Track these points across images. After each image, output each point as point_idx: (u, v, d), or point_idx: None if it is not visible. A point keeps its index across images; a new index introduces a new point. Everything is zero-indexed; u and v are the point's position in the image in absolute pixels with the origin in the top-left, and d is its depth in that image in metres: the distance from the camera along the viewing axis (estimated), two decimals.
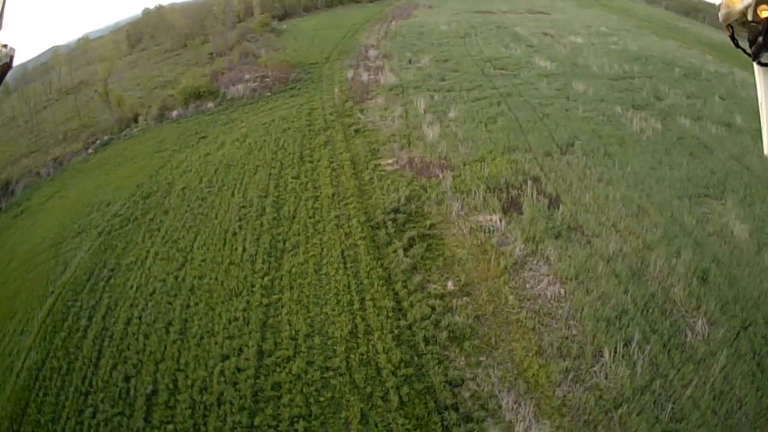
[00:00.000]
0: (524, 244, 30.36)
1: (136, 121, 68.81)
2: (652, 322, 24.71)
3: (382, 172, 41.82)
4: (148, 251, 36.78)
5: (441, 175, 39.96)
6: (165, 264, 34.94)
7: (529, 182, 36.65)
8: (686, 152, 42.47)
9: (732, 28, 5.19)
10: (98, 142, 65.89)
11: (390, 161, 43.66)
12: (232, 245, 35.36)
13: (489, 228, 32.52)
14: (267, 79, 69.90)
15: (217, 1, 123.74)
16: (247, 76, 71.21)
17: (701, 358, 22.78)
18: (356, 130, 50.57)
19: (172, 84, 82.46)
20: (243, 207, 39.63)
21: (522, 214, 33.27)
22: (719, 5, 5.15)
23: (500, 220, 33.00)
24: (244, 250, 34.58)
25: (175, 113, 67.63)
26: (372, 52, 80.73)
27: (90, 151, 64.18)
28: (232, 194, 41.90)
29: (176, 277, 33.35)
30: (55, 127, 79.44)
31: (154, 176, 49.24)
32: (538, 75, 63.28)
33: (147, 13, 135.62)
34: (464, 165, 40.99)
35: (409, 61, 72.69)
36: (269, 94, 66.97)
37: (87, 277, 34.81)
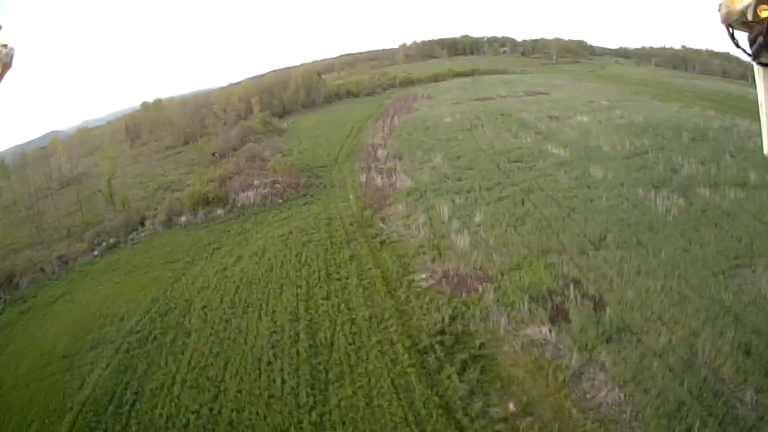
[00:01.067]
0: (578, 353, 30.41)
1: (142, 224, 69.99)
2: (707, 406, 25.40)
3: (418, 289, 41.54)
4: (174, 377, 36.10)
5: (481, 289, 39.62)
6: (195, 393, 34.09)
7: (571, 286, 36.86)
8: (711, 225, 43.63)
9: (732, 28, 5.30)
10: (104, 244, 66.30)
11: (423, 276, 43.48)
12: (269, 376, 34.54)
13: (540, 341, 32.40)
14: (278, 185, 70.91)
15: (216, 97, 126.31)
16: (256, 182, 72.25)
17: (752, 425, 24.13)
18: (381, 242, 50.77)
19: (175, 185, 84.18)
20: (274, 332, 39.03)
21: (570, 322, 33.37)
22: (719, 5, 5.30)
23: (550, 331, 32.93)
24: (284, 381, 33.71)
25: (183, 219, 68.28)
26: (381, 152, 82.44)
27: (96, 253, 64.57)
28: (259, 317, 41.44)
29: (211, 410, 32.33)
30: (57, 221, 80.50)
31: (169, 291, 49.17)
32: (554, 164, 64.64)
33: (145, 106, 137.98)
34: (502, 275, 40.72)
35: (421, 161, 73.96)
36: (281, 201, 67.79)
37: (108, 398, 34.64)
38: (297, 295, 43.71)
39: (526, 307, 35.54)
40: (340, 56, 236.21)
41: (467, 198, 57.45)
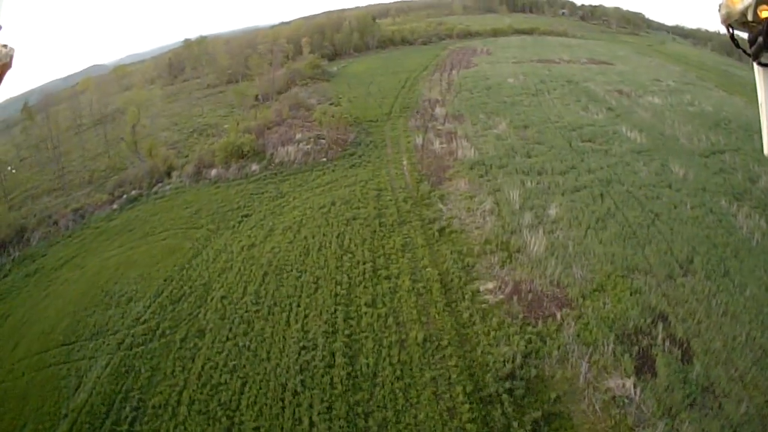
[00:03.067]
0: (661, 420, 25.05)
1: (169, 175, 61.91)
2: None
3: (484, 305, 32.81)
4: (181, 393, 29.31)
5: (559, 316, 31.43)
6: (203, 421, 27.23)
7: (659, 324, 30.42)
8: None
9: (732, 28, 4.87)
10: (125, 196, 58.98)
11: (491, 286, 34.56)
12: (295, 413, 26.67)
13: (623, 399, 26.30)
14: (322, 141, 61.27)
15: (263, 36, 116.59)
16: (298, 135, 62.64)
17: None
18: (440, 230, 41.73)
19: (212, 129, 76.87)
20: (304, 348, 30.80)
21: (656, 375, 27.45)
22: (719, 6, 4.89)
23: (634, 386, 26.80)
24: (312, 425, 25.82)
25: (213, 173, 59.91)
26: (439, 111, 72.29)
27: (115, 206, 57.31)
28: (288, 322, 33.20)
29: None
30: (82, 164, 74.62)
31: (186, 268, 41.46)
32: (630, 151, 55.71)
33: (188, 44, 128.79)
34: (583, 298, 32.81)
35: (485, 127, 64.08)
36: (325, 159, 58.44)
37: (106, 409, 29.51)
38: (336, 295, 35.22)
39: (610, 349, 28.86)
40: (397, 2, 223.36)
41: (539, 182, 48.23)
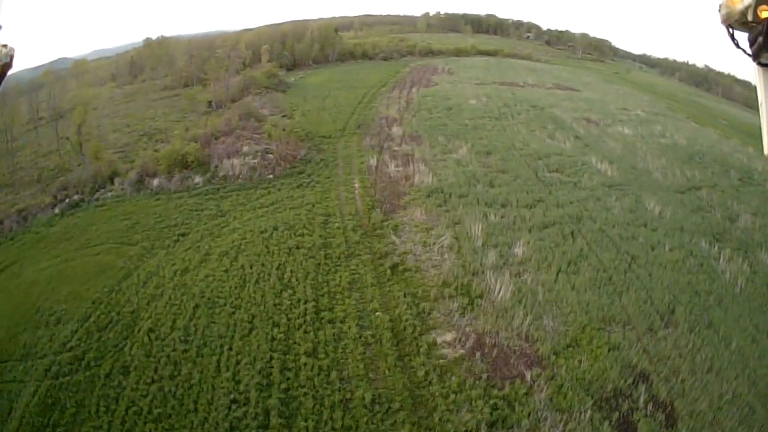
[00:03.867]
0: None
1: (112, 181, 56.66)
2: None
3: (442, 361, 28.33)
4: None
5: (529, 376, 27.24)
6: None
7: (641, 385, 27.25)
8: None
9: (732, 28, 4.99)
10: (67, 200, 54.26)
11: (449, 337, 30.07)
12: None
13: None
14: (270, 156, 56.37)
15: (224, 40, 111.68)
16: (246, 148, 57.58)
17: None
18: (392, 267, 37.00)
19: (161, 135, 71.44)
20: (235, 402, 26.02)
21: None
22: (719, 6, 4.99)
23: None
24: None
25: (156, 182, 54.63)
26: (396, 130, 67.90)
27: (57, 211, 52.45)
28: (218, 368, 28.28)
29: None
30: (33, 160, 70.17)
31: (115, 291, 36.54)
32: (601, 185, 52.45)
33: (149, 43, 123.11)
34: (556, 354, 28.90)
35: (444, 150, 59.97)
36: (271, 176, 53.59)
37: None
38: (272, 339, 30.44)
39: (587, 416, 25.20)
40: (361, 15, 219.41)
41: (504, 216, 44.22)
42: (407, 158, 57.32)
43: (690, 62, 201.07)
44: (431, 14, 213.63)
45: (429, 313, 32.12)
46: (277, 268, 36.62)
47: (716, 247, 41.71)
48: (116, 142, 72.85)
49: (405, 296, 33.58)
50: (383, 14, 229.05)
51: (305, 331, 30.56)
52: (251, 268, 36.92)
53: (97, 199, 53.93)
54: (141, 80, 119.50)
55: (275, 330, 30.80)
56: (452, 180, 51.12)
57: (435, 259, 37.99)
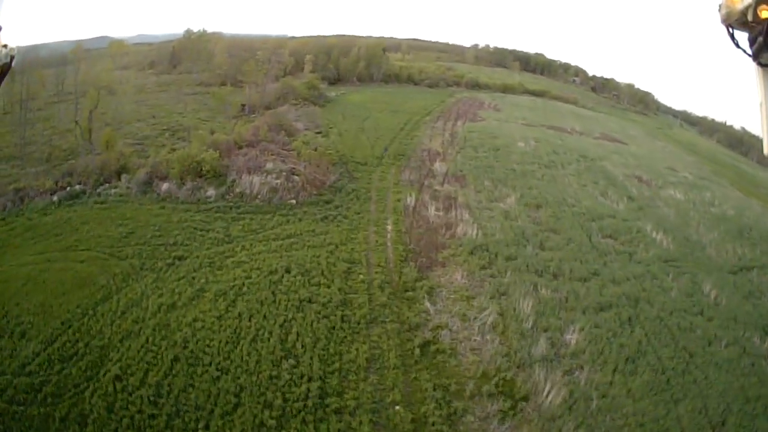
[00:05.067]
0: None
1: (119, 176, 50.54)
2: None
3: None
4: None
5: None
6: None
7: None
8: None
9: (732, 28, 4.91)
10: (68, 189, 48.81)
11: None
12: None
13: None
14: (296, 177, 49.15)
15: (264, 44, 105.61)
16: (270, 165, 50.42)
17: None
18: (422, 346, 29.54)
19: (184, 132, 65.08)
20: None
21: None
22: (719, 6, 4.92)
23: None
24: None
25: (164, 187, 48.12)
26: (438, 166, 60.68)
27: (55, 198, 47.14)
28: None
29: None
30: (49, 136, 65.05)
31: (89, 316, 30.23)
32: (658, 259, 44.88)
33: (189, 35, 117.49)
34: None
35: (491, 198, 52.70)
36: (294, 201, 46.47)
37: None
38: (260, 424, 23.46)
39: None
40: (409, 39, 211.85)
41: (556, 289, 36.47)
42: (449, 202, 50.05)
43: (727, 123, 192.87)
44: (480, 47, 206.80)
45: (462, 416, 24.84)
46: (281, 326, 29.29)
47: (767, 343, 35.41)
48: (136, 132, 67.57)
49: (435, 389, 26.17)
50: (432, 41, 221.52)
51: (304, 421, 23.36)
52: (250, 320, 29.65)
53: (99, 194, 48.06)
54: (178, 72, 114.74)
55: (266, 413, 23.61)
56: (499, 236, 43.65)
57: (475, 340, 30.53)
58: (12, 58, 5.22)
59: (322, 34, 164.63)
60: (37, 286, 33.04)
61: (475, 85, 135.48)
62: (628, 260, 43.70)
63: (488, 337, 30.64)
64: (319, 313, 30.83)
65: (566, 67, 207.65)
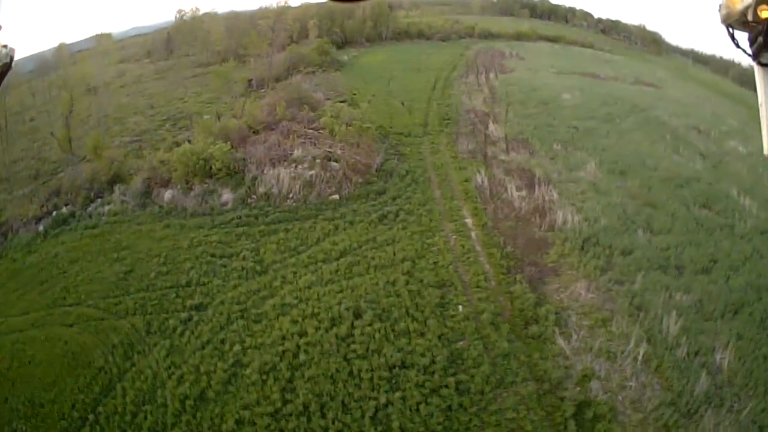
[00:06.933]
0: None
1: (111, 187, 40.57)
2: None
3: None
4: None
5: None
6: None
7: None
8: None
9: (732, 28, 4.51)
10: (55, 213, 40.41)
11: None
12: None
13: None
14: (334, 164, 37.28)
15: (263, 14, 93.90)
16: (297, 152, 38.49)
17: None
18: (576, 413, 19.39)
19: (187, 120, 54.73)
20: None
21: None
22: (719, 5, 4.54)
23: None
24: None
25: (167, 196, 37.20)
26: (493, 129, 48.84)
27: (41, 228, 38.52)
28: None
29: None
30: (39, 148, 57.40)
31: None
32: (756, 230, 35.38)
33: (181, 19, 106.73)
34: None
35: (568, 165, 41.48)
36: (337, 197, 34.75)
37: None
38: None
39: None
40: None
41: (688, 291, 26.98)
42: (527, 176, 38.31)
43: (735, 60, 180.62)
44: None
45: None
46: (373, 420, 17.96)
47: None
48: (135, 127, 58.06)
49: None
50: None
51: None
52: (323, 415, 18.70)
53: (89, 215, 38.43)
54: (176, 57, 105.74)
55: None
56: (604, 222, 32.56)
57: (629, 386, 20.88)
58: (12, 58, 4.42)
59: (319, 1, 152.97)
60: (23, 370, 24.69)
61: (488, 35, 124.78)
62: (731, 235, 34.42)
63: (644, 378, 21.21)
64: (423, 386, 19.65)
65: (572, 11, 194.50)
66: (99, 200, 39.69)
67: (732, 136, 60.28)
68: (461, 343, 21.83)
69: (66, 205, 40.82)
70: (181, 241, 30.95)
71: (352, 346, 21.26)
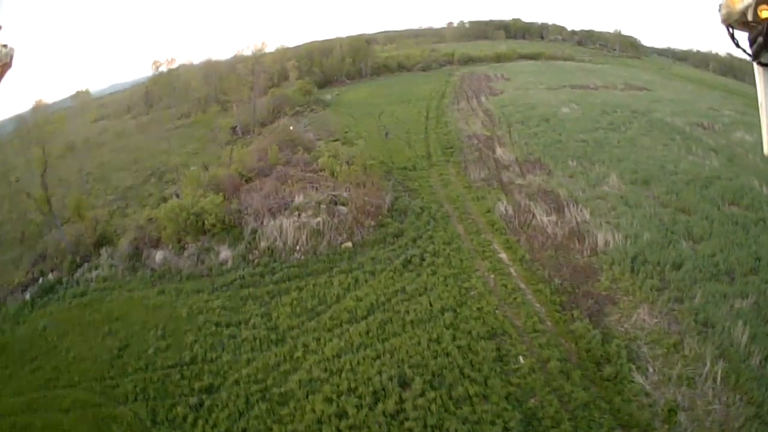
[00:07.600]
0: None
1: (98, 250, 37.66)
2: None
3: None
4: None
5: None
6: None
7: None
8: None
9: (732, 28, 4.59)
10: (41, 280, 37.43)
11: None
12: None
13: None
14: (341, 209, 33.76)
15: (241, 60, 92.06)
16: (299, 198, 34.99)
17: None
18: None
19: (173, 173, 53.12)
20: None
21: None
22: (719, 5, 4.57)
23: None
24: None
25: (158, 257, 33.80)
26: (501, 153, 46.18)
27: (28, 297, 35.48)
28: None
29: None
30: (24, 209, 52.85)
31: None
32: None
33: (158, 71, 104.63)
34: None
35: (589, 181, 38.91)
36: (349, 244, 31.14)
37: None
38: None
39: None
40: (381, 32, 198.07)
41: (744, 296, 24.76)
42: (550, 198, 35.37)
43: (713, 51, 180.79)
44: (455, 24, 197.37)
45: None
46: None
47: None
48: (119, 184, 56.37)
49: None
50: (404, 29, 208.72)
51: None
52: None
53: (77, 282, 35.15)
54: (156, 110, 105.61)
55: None
56: (646, 236, 29.78)
57: (714, 410, 18.71)
58: (11, 58, 4.63)
59: (294, 45, 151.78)
60: None
61: (469, 60, 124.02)
62: (764, 231, 32.66)
63: (726, 398, 19.04)
64: None
65: (546, 27, 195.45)
66: (86, 264, 36.79)
67: (735, 126, 59.15)
68: (533, 400, 18.29)
69: (52, 270, 38.05)
70: (179, 309, 27.26)
71: (406, 424, 17.43)
